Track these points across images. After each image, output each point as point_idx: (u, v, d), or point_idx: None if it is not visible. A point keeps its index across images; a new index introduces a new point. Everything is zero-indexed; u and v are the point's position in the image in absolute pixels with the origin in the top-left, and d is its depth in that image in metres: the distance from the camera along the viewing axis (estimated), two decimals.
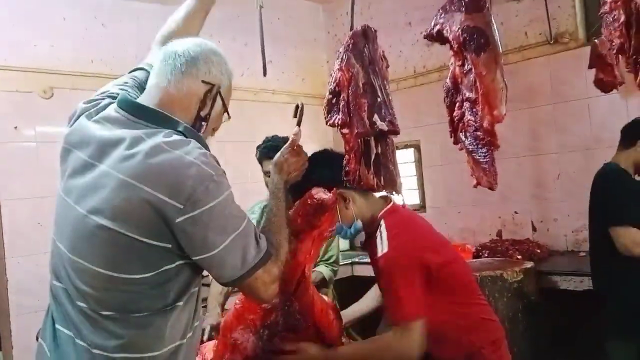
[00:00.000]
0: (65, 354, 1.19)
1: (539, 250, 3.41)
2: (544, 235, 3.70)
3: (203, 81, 1.28)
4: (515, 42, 3.76)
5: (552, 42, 3.55)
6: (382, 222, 1.69)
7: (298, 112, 1.56)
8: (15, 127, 3.17)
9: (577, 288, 2.88)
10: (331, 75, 1.67)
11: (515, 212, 3.86)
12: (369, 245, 1.78)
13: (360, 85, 1.60)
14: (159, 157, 1.14)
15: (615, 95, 3.17)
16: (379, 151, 1.66)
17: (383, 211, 1.73)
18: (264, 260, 1.23)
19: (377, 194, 1.80)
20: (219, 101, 1.33)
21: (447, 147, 4.19)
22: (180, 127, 1.24)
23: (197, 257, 1.17)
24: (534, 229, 3.77)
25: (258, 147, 2.71)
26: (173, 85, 1.27)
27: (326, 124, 1.69)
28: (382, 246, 1.64)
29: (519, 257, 3.28)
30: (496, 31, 1.45)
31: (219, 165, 1.21)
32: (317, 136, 3.84)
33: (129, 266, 1.15)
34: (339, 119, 1.63)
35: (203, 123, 1.31)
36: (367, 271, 3.73)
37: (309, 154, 1.57)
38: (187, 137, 1.22)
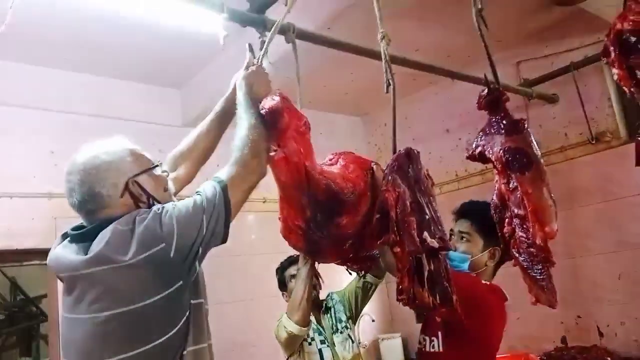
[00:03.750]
0: None
1: (609, 359, 3.18)
2: (612, 341, 3.47)
3: (120, 195, 1.36)
4: (556, 143, 3.80)
5: (593, 141, 3.56)
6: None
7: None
8: None
9: None
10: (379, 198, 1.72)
11: (579, 317, 3.66)
12: None
13: (408, 204, 1.64)
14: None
15: None
16: (432, 268, 1.65)
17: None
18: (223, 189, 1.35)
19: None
20: (141, 178, 1.40)
21: None
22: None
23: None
24: (601, 335, 3.54)
25: (277, 269, 3.04)
26: (104, 215, 1.35)
27: (377, 243, 1.72)
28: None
29: None
30: (538, 150, 1.48)
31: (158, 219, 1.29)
32: None
33: None
34: (389, 239, 1.66)
35: (152, 201, 1.40)
36: None
37: None
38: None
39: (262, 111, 1.59)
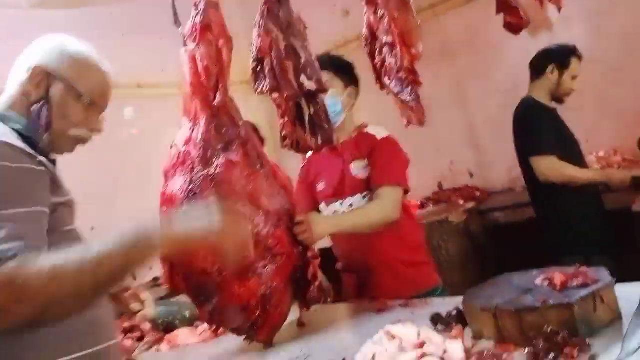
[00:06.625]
0: None
1: (479, 193, 3.58)
2: (482, 179, 3.88)
3: (27, 69, 1.17)
4: (425, 1, 3.89)
5: None
6: (372, 127, 2.02)
7: None
8: None
9: (518, 220, 3.06)
10: (252, 44, 1.68)
11: (452, 162, 4.02)
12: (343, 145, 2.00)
13: (282, 48, 1.63)
14: None
15: (527, 37, 3.34)
16: (312, 111, 1.69)
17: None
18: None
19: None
20: (59, 85, 1.18)
21: (377, 112, 4.32)
22: None
23: None
24: (471, 175, 3.94)
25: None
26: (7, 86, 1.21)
27: (255, 92, 1.70)
28: (381, 132, 1.96)
29: (462, 202, 3.44)
30: None
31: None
32: (248, 118, 3.82)
33: None
34: (266, 85, 1.65)
35: (42, 112, 1.16)
36: None
37: None
38: None
39: None
